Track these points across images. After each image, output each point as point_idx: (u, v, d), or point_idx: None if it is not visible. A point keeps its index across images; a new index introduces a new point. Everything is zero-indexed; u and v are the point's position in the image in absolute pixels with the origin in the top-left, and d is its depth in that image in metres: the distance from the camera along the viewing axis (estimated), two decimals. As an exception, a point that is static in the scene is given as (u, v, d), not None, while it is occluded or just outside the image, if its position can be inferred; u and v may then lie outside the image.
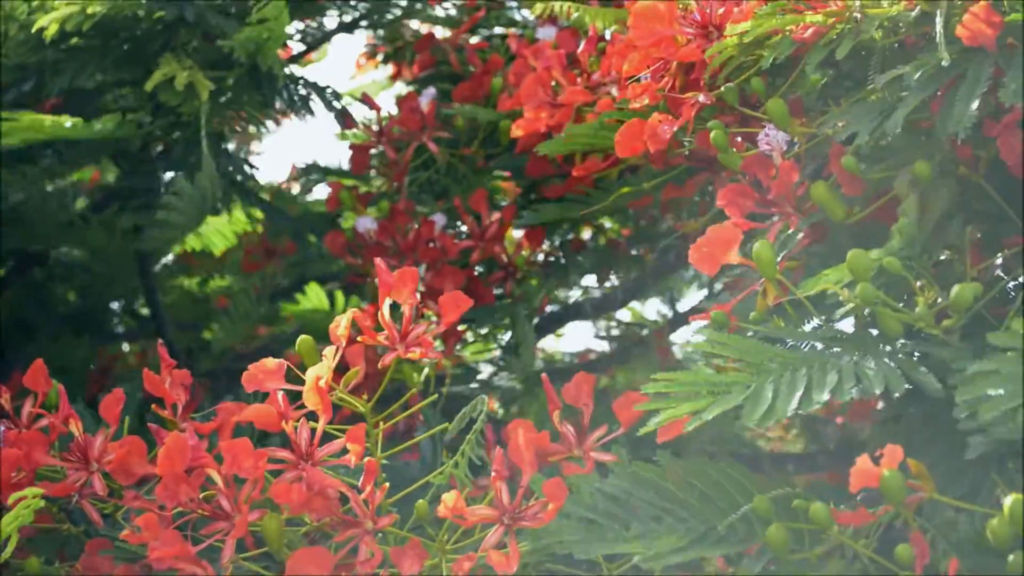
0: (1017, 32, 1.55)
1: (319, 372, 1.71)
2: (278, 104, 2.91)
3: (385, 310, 1.81)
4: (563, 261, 3.22)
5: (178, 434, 1.73)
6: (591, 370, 3.74)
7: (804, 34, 1.71)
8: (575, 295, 3.55)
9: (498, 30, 3.53)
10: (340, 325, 1.78)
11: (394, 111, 3.09)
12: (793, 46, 1.72)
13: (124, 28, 2.71)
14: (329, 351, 1.74)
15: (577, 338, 4.43)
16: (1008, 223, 1.67)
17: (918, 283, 1.60)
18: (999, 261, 1.68)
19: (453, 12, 3.44)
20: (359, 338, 1.80)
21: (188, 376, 1.93)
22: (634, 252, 3.34)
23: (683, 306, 3.94)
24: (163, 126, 2.80)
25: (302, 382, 1.74)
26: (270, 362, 1.79)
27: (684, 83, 1.91)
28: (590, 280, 3.48)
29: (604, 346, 4.11)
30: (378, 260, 1.83)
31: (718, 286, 3.64)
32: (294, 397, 1.76)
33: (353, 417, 1.80)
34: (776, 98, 1.74)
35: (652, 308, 4.25)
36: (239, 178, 3.07)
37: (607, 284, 3.47)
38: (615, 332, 4.02)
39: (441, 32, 3.39)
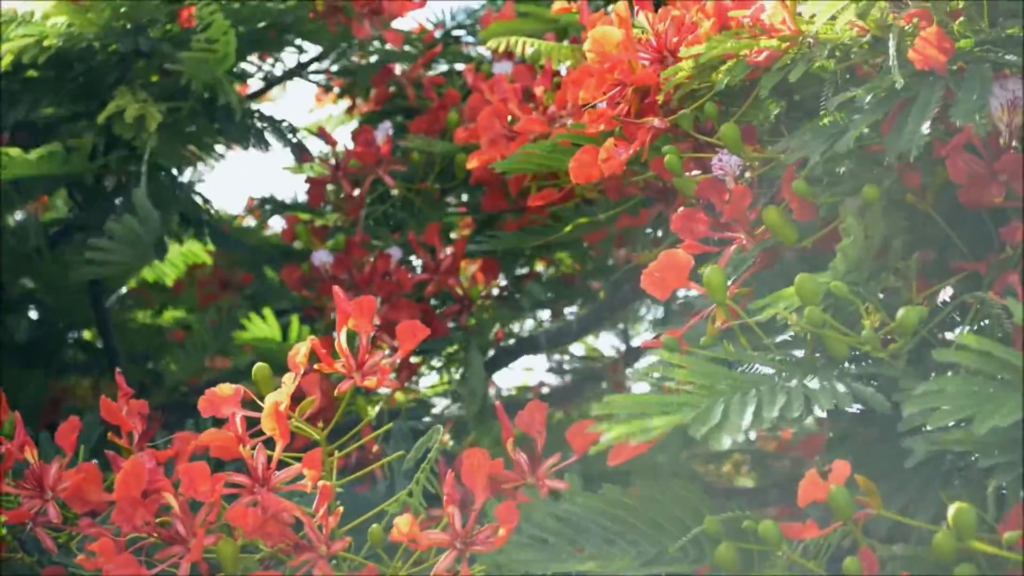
0: (967, 57, 1.58)
1: (278, 398, 1.72)
2: (234, 137, 2.92)
3: (342, 338, 1.82)
4: (517, 295, 3.24)
5: (136, 458, 1.73)
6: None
7: (758, 58, 1.73)
8: (530, 327, 3.57)
9: (455, 66, 3.55)
10: (299, 353, 1.79)
11: (351, 145, 3.10)
12: (747, 70, 1.75)
13: (79, 60, 2.72)
14: (288, 377, 1.75)
15: (531, 374, 4.41)
16: (954, 250, 1.70)
17: (865, 306, 1.62)
18: (945, 288, 1.70)
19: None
20: (316, 366, 1.81)
21: (145, 406, 1.93)
22: (588, 285, 3.36)
23: (636, 342, 3.96)
24: (117, 160, 2.79)
25: (257, 410, 1.75)
26: (226, 388, 1.79)
27: (639, 109, 1.93)
28: (545, 313, 3.50)
29: (558, 380, 4.12)
30: (336, 288, 1.84)
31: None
32: (249, 425, 1.77)
33: (307, 448, 1.80)
34: (729, 123, 1.76)
35: (606, 342, 4.27)
36: (193, 209, 3.06)
37: (562, 317, 3.50)
38: (569, 367, 4.03)
39: (398, 67, 3.41)
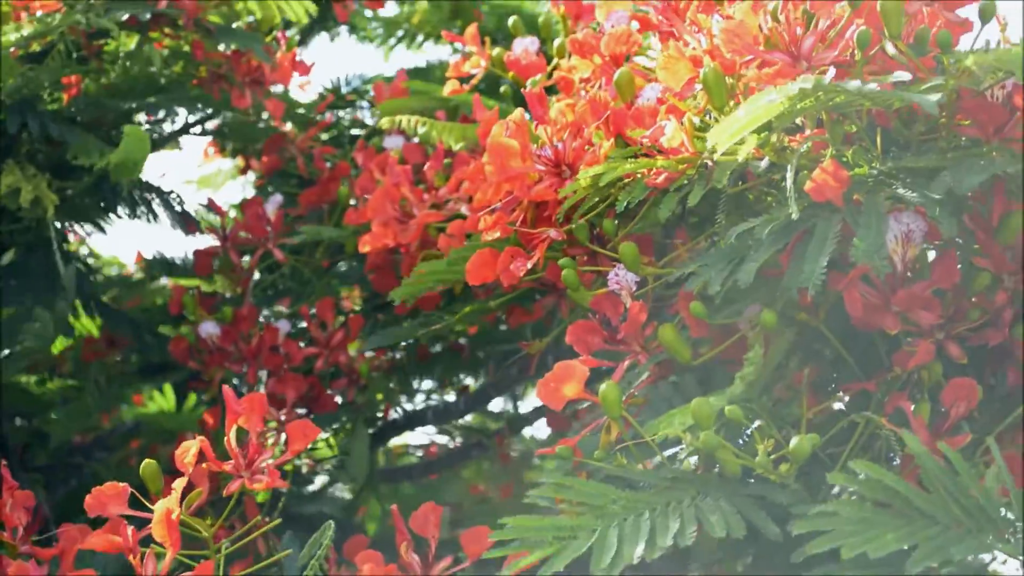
0: (863, 187, 1.60)
1: (169, 504, 1.69)
2: (123, 211, 2.89)
3: (232, 438, 1.81)
4: (406, 369, 3.23)
5: (21, 563, 1.71)
6: (433, 469, 3.75)
7: (657, 180, 1.73)
8: (418, 402, 3.56)
9: (345, 114, 3.54)
10: (188, 453, 1.77)
11: (241, 200, 3.08)
12: (646, 191, 1.75)
13: (-34, 133, 2.68)
14: (179, 482, 1.72)
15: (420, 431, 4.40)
16: (844, 365, 1.72)
17: (757, 423, 1.63)
18: (836, 404, 1.73)
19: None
20: (205, 464, 1.80)
21: (31, 498, 1.90)
22: (478, 356, 3.36)
23: (524, 408, 3.95)
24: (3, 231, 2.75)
25: (144, 508, 1.73)
26: (112, 487, 1.77)
27: (535, 216, 1.93)
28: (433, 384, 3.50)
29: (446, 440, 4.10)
30: (226, 388, 1.82)
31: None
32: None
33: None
34: (627, 242, 1.76)
35: (495, 406, 4.26)
36: (81, 281, 3.01)
37: (450, 390, 3.49)
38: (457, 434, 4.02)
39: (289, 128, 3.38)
